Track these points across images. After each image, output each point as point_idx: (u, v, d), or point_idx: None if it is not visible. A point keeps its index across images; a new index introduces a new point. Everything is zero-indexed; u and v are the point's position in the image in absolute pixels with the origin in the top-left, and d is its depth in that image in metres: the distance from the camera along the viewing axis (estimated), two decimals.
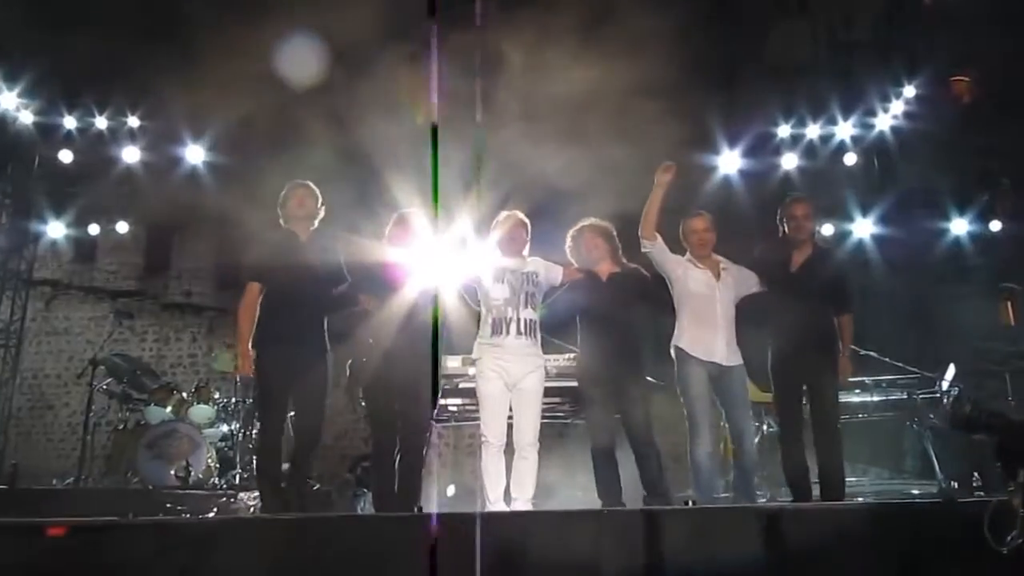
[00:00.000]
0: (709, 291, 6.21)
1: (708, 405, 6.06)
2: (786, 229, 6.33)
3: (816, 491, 6.08)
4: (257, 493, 6.33)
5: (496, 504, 5.72)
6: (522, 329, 5.91)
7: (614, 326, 6.04)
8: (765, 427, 8.01)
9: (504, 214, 6.19)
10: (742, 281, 6.35)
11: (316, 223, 6.08)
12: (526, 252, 6.17)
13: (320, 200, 6.09)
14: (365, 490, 8.64)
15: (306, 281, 5.84)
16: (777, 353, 6.22)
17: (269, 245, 5.98)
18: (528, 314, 5.94)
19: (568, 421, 7.15)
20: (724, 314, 6.20)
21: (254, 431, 8.30)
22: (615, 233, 6.33)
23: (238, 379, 8.74)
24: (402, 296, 5.83)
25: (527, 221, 6.20)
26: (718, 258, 6.37)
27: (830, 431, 6.07)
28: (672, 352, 6.23)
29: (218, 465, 8.41)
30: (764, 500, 7.42)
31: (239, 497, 7.35)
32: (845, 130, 10.37)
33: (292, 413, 6.04)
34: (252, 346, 5.77)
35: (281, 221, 6.05)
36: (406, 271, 5.90)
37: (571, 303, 6.20)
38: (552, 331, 6.39)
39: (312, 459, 5.96)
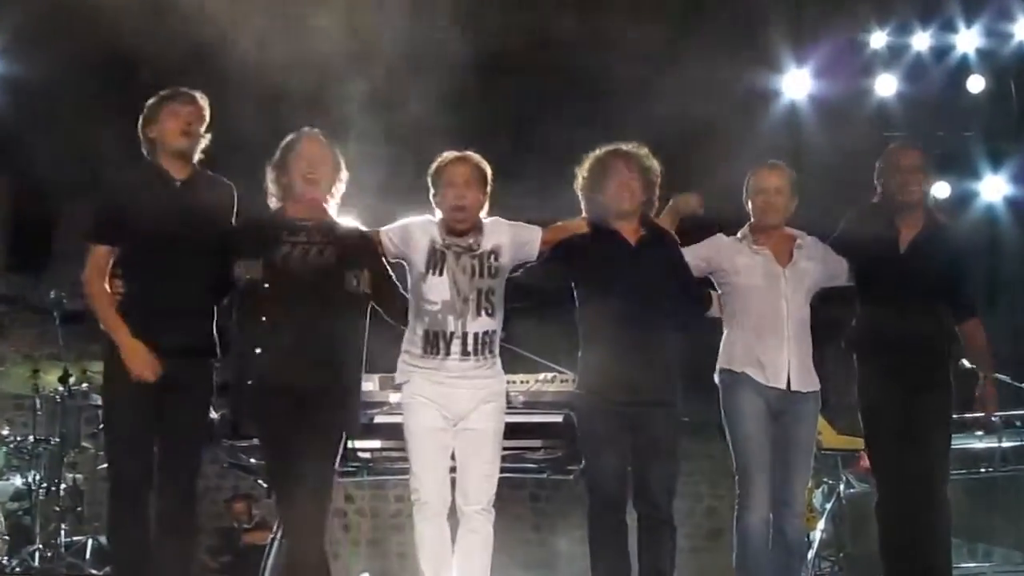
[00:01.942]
0: (771, 283, 6.27)
1: (767, 450, 6.16)
2: (887, 189, 6.45)
3: None
4: None
5: None
6: (471, 348, 5.91)
7: (642, 323, 6.01)
8: (842, 487, 8.17)
9: (448, 155, 6.12)
10: (825, 267, 6.42)
11: (198, 153, 6.06)
12: (483, 218, 6.09)
13: (205, 115, 6.05)
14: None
15: (185, 243, 5.85)
16: (872, 379, 6.39)
17: (123, 188, 6.01)
18: (481, 325, 5.91)
19: (545, 476, 7.24)
20: (795, 317, 6.27)
21: (63, 485, 8.33)
22: (658, 170, 6.27)
23: (38, 405, 8.76)
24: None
25: (485, 168, 6.10)
26: (791, 232, 6.45)
27: (935, 493, 6.22)
28: (716, 377, 6.33)
29: (7, 537, 8.42)
30: None
31: None
32: (968, 40, 10.55)
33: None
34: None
35: (144, 150, 6.08)
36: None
37: (563, 278, 6.20)
38: (519, 336, 6.49)
39: (192, 521, 6.04)
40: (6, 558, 8.28)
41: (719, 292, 6.42)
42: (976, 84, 10.58)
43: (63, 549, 8.31)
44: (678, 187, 6.39)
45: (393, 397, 6.29)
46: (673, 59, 9.41)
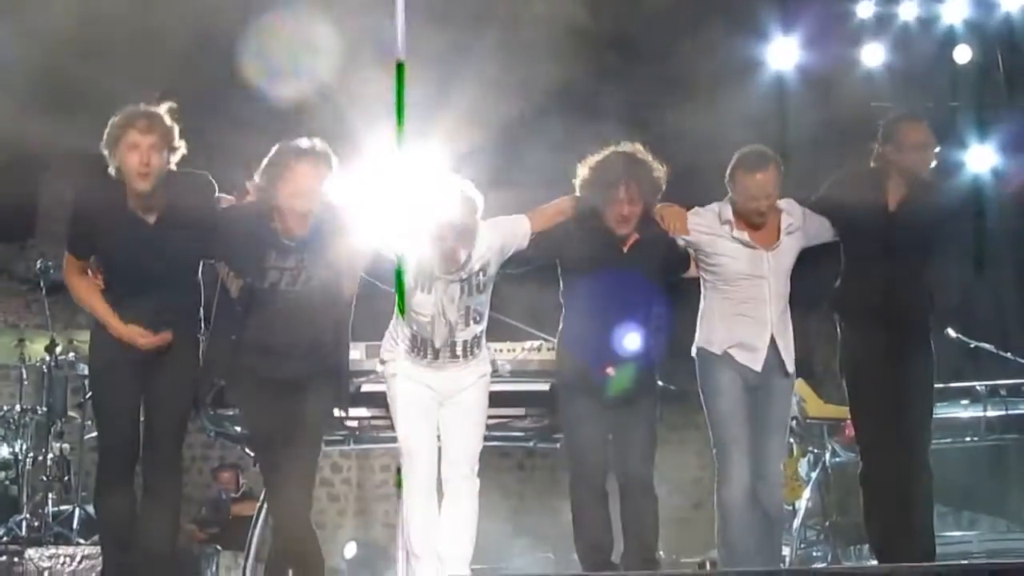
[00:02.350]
0: (755, 267, 6.24)
1: (744, 425, 6.18)
2: (887, 154, 6.31)
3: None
4: (67, 550, 6.39)
5: (425, 567, 5.83)
6: (459, 352, 5.99)
7: (624, 309, 6.10)
8: (828, 456, 8.22)
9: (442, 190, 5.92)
10: (806, 234, 6.37)
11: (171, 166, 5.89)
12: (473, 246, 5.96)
13: (172, 139, 5.86)
14: (218, 547, 8.78)
15: (159, 276, 5.86)
16: (857, 344, 6.39)
17: (95, 216, 5.90)
18: (469, 333, 5.99)
19: (531, 444, 7.27)
20: (777, 296, 6.27)
21: (50, 455, 8.35)
22: (663, 172, 6.20)
23: (24, 375, 8.77)
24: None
25: (477, 200, 5.91)
26: (778, 207, 6.34)
27: (917, 459, 6.25)
28: (695, 354, 6.33)
29: None
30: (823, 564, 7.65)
31: (27, 557, 7.41)
32: (955, 10, 10.54)
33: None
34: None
35: (110, 168, 5.89)
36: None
37: (552, 261, 6.21)
38: (505, 304, 6.48)
39: (176, 492, 6.04)
40: None
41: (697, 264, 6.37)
42: (963, 55, 10.57)
43: (50, 519, 8.31)
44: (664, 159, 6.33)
45: (380, 367, 6.31)
46: (662, 27, 9.43)
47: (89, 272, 5.89)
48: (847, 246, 6.43)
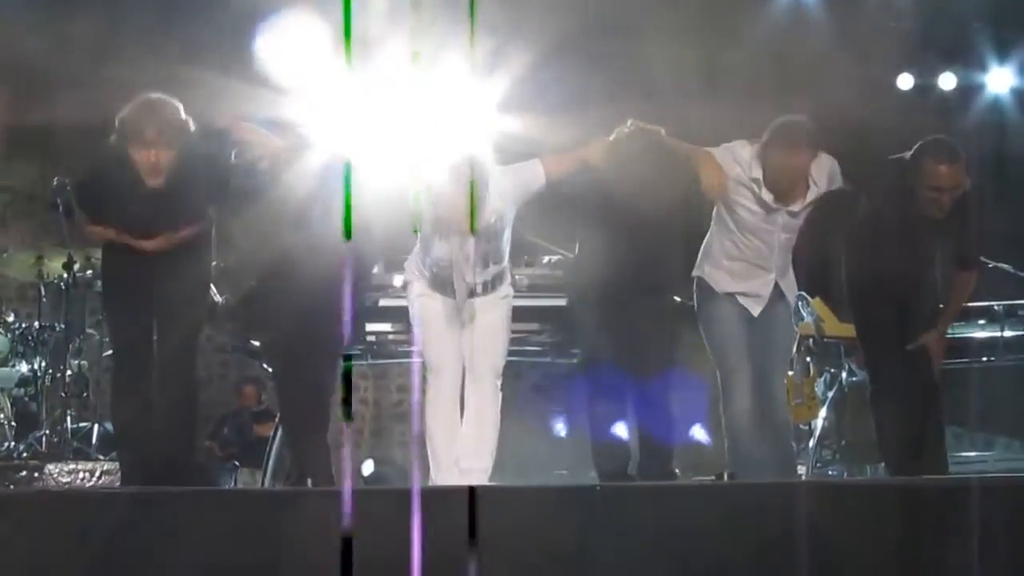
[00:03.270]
0: (769, 223, 6.29)
1: (744, 348, 6.28)
2: (913, 196, 6.19)
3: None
4: (87, 465, 6.46)
5: (446, 476, 5.91)
6: (480, 290, 6.09)
7: (634, 215, 6.13)
8: (845, 375, 8.25)
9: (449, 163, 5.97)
10: (824, 179, 6.38)
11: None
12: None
13: (179, 135, 6.01)
14: (236, 463, 8.88)
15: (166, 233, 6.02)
16: (864, 260, 6.45)
17: (100, 186, 6.10)
18: (488, 274, 6.10)
19: (548, 360, 7.31)
20: (782, 250, 6.36)
21: (68, 372, 8.41)
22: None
23: (43, 293, 8.83)
24: (299, 169, 5.92)
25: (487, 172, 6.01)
26: (813, 170, 6.32)
27: (927, 379, 6.33)
28: (694, 283, 6.42)
29: (14, 424, 8.53)
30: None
31: (47, 471, 7.49)
32: None
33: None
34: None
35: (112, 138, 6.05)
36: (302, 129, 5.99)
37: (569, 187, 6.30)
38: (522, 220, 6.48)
39: (193, 408, 6.15)
40: (13, 443, 8.37)
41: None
42: None
43: (69, 435, 8.37)
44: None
45: (397, 280, 6.33)
46: None
47: None
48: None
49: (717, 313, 6.30)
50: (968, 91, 10.46)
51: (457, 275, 5.98)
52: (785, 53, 6.69)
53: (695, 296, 6.40)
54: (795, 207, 6.27)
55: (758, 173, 6.21)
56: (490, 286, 6.09)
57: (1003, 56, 10.45)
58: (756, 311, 6.27)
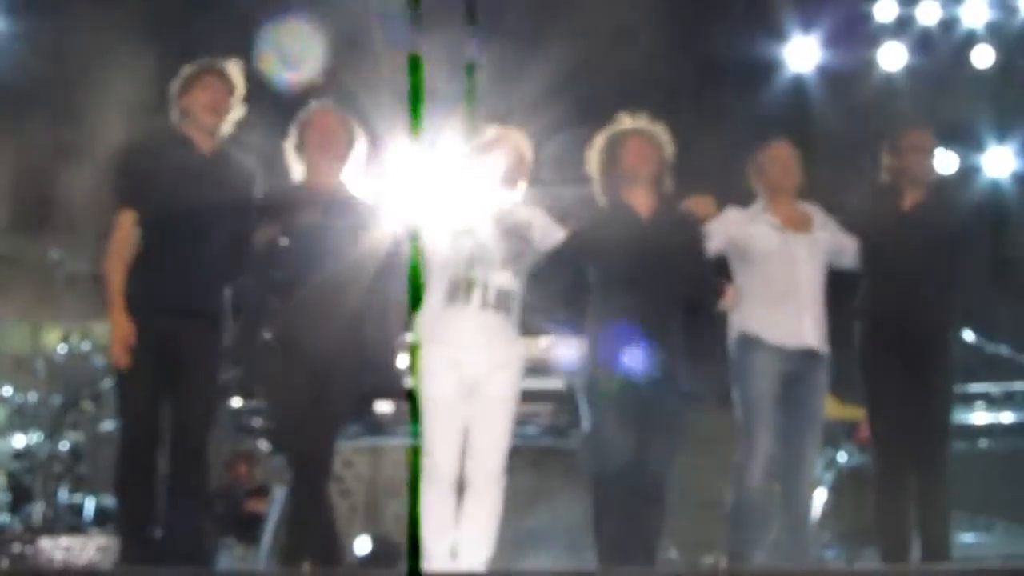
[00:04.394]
0: (787, 249, 6.33)
1: (775, 413, 6.23)
2: (896, 165, 6.56)
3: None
4: (80, 539, 6.42)
5: (439, 564, 5.79)
6: (491, 300, 5.87)
7: (653, 292, 6.07)
8: (843, 457, 8.25)
9: (493, 131, 6.13)
10: (836, 239, 6.49)
11: (226, 127, 6.15)
12: (520, 189, 6.14)
13: (239, 91, 6.16)
14: (236, 540, 8.82)
15: (208, 215, 5.95)
16: (875, 344, 6.49)
17: (148, 152, 6.10)
18: (504, 280, 5.90)
19: (547, 443, 7.30)
20: (812, 283, 6.35)
21: (67, 444, 8.40)
22: (671, 146, 6.32)
23: (39, 365, 8.82)
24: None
25: (526, 147, 6.12)
26: (806, 207, 6.52)
27: (936, 461, 6.35)
28: (732, 341, 6.39)
29: (9, 495, 8.51)
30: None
31: (39, 545, 7.45)
32: (976, 12, 10.53)
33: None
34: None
35: (174, 118, 6.13)
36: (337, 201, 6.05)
37: (574, 253, 6.19)
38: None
39: (202, 483, 6.11)
40: (7, 516, 8.35)
41: (733, 272, 6.45)
42: (983, 57, 10.56)
43: (63, 508, 8.36)
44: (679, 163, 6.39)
45: (397, 361, 6.32)
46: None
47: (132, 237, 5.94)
48: (868, 253, 6.51)
49: (753, 364, 6.25)
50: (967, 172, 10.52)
51: (481, 254, 5.86)
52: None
53: (733, 355, 6.37)
54: (807, 233, 6.38)
55: (760, 202, 6.45)
56: (503, 302, 5.89)
57: (1003, 138, 10.52)
58: (796, 340, 6.22)
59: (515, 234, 5.97)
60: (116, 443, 6.16)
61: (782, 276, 6.30)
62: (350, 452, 10.67)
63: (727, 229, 6.37)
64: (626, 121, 6.32)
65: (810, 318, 6.29)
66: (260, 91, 6.56)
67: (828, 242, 6.45)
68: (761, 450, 6.16)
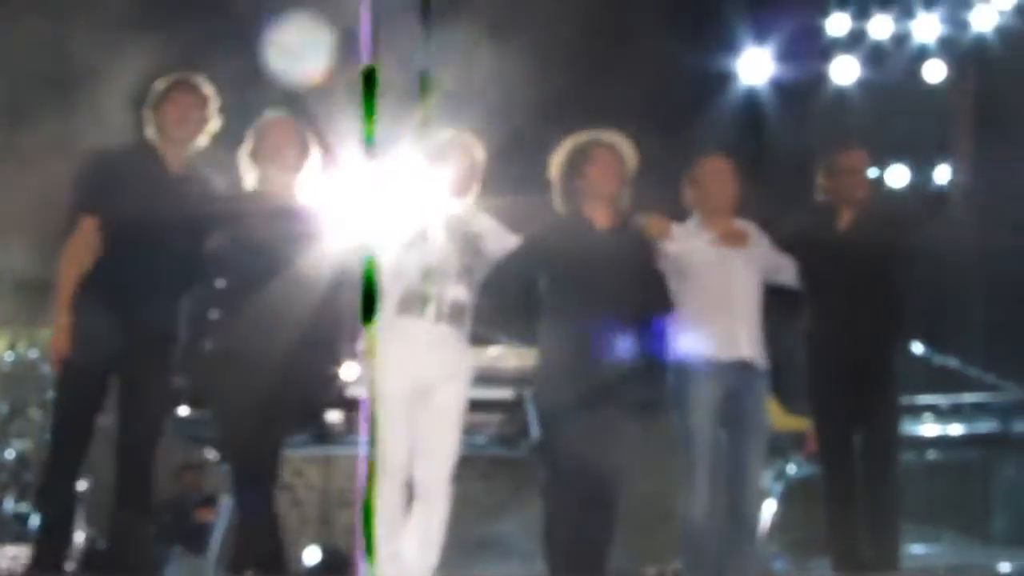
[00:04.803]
0: (724, 264, 6.33)
1: (716, 437, 6.23)
2: (832, 187, 6.61)
3: None
4: (27, 549, 6.43)
5: (390, 569, 5.79)
6: (445, 313, 5.89)
7: (608, 305, 6.06)
8: (792, 468, 8.31)
9: (445, 135, 6.10)
10: (772, 257, 6.52)
11: (201, 140, 6.15)
12: (473, 195, 6.13)
13: (212, 103, 6.16)
14: (185, 550, 8.80)
15: (170, 228, 5.93)
16: (820, 360, 6.54)
17: (116, 163, 6.08)
18: (458, 293, 5.92)
19: (496, 452, 7.30)
20: (747, 297, 6.37)
21: (13, 453, 8.36)
22: (634, 160, 6.31)
23: None
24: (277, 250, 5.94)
25: (477, 153, 6.12)
26: (742, 223, 6.52)
27: (885, 472, 6.37)
28: (671, 362, 6.31)
29: None
30: None
31: None
32: (928, 28, 10.63)
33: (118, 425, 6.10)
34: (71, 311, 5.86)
35: (148, 132, 6.13)
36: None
37: (527, 262, 6.20)
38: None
39: (145, 497, 6.07)
40: None
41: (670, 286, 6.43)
42: (934, 72, 10.64)
43: (9, 517, 8.32)
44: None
45: (343, 372, 6.31)
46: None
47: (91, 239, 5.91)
48: (808, 273, 6.56)
49: (696, 390, 6.20)
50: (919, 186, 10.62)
51: (437, 267, 5.85)
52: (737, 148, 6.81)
53: (672, 379, 6.30)
54: (742, 249, 6.37)
55: (698, 220, 6.42)
56: (457, 314, 5.91)
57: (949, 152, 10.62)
58: (731, 353, 6.20)
59: (469, 246, 5.99)
60: (47, 446, 6.14)
61: (718, 291, 6.31)
62: (300, 462, 10.73)
63: (670, 245, 6.39)
64: (595, 133, 6.32)
65: (745, 332, 6.29)
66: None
67: (764, 258, 6.48)
68: (703, 481, 6.17)
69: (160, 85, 6.11)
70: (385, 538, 5.80)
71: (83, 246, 5.92)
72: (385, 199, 5.73)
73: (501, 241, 6.13)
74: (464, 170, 6.06)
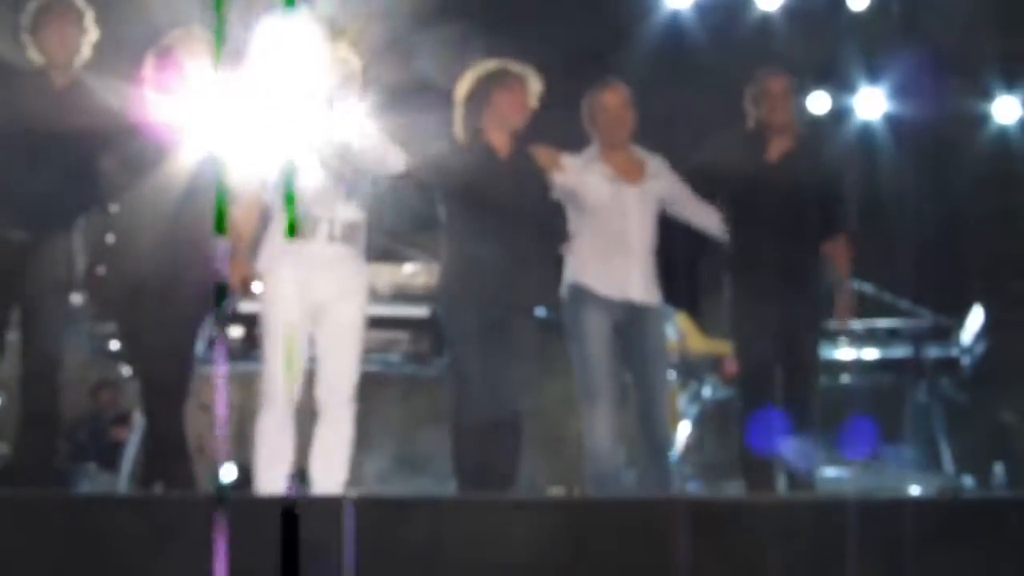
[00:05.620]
0: (617, 200, 6.39)
1: (613, 367, 6.34)
2: (758, 114, 6.63)
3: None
4: None
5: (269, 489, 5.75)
6: (337, 233, 5.85)
7: (506, 228, 6.13)
8: (708, 390, 8.39)
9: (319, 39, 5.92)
10: (670, 196, 6.58)
11: (84, 53, 6.10)
12: (353, 106, 6.00)
13: (88, 16, 6.09)
14: (99, 467, 8.77)
15: (59, 145, 5.91)
16: (741, 283, 6.62)
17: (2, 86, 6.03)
18: (350, 213, 5.88)
19: (409, 371, 7.31)
20: (640, 234, 6.44)
21: None
22: (540, 85, 6.33)
23: None
24: (168, 168, 5.86)
25: (356, 59, 6.04)
26: (641, 155, 6.57)
27: (806, 396, 6.52)
28: (564, 293, 6.45)
29: None
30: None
31: None
32: None
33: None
34: None
35: (30, 55, 6.06)
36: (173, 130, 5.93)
37: (425, 182, 6.24)
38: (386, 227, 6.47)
39: (53, 399, 6.07)
40: None
41: (568, 219, 6.52)
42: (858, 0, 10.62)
43: None
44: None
45: (255, 287, 6.25)
46: None
47: None
48: (734, 206, 6.62)
49: (588, 324, 6.31)
50: (839, 114, 10.62)
51: (321, 190, 5.79)
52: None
53: (566, 307, 6.44)
54: (637, 183, 6.43)
55: (594, 152, 6.46)
56: (347, 235, 5.85)
57: (875, 80, 10.62)
58: (627, 293, 6.31)
59: (351, 164, 5.89)
60: None
61: (612, 228, 6.38)
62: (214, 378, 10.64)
63: (564, 177, 6.40)
64: (503, 61, 6.31)
65: (638, 271, 6.38)
66: None
67: (660, 191, 6.52)
68: (602, 408, 6.27)
69: (32, 5, 6.01)
70: (275, 460, 5.77)
71: None
72: (249, 112, 5.70)
73: (387, 154, 6.01)
74: (341, 79, 5.93)
